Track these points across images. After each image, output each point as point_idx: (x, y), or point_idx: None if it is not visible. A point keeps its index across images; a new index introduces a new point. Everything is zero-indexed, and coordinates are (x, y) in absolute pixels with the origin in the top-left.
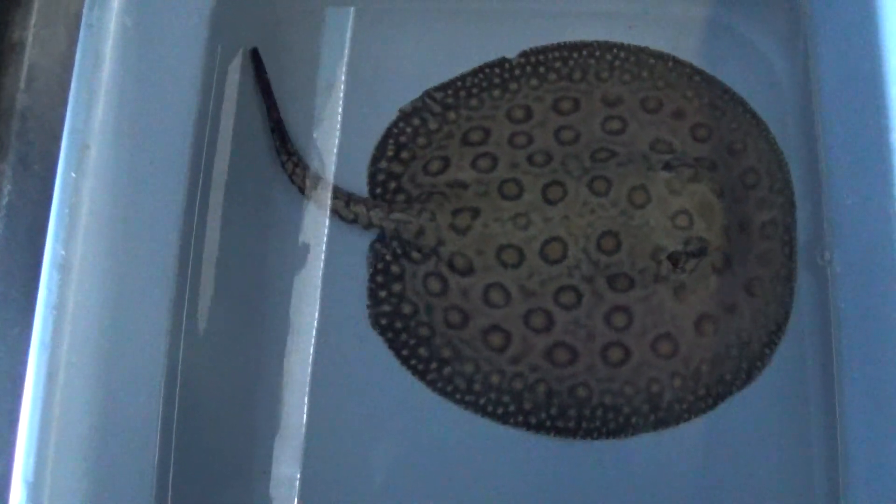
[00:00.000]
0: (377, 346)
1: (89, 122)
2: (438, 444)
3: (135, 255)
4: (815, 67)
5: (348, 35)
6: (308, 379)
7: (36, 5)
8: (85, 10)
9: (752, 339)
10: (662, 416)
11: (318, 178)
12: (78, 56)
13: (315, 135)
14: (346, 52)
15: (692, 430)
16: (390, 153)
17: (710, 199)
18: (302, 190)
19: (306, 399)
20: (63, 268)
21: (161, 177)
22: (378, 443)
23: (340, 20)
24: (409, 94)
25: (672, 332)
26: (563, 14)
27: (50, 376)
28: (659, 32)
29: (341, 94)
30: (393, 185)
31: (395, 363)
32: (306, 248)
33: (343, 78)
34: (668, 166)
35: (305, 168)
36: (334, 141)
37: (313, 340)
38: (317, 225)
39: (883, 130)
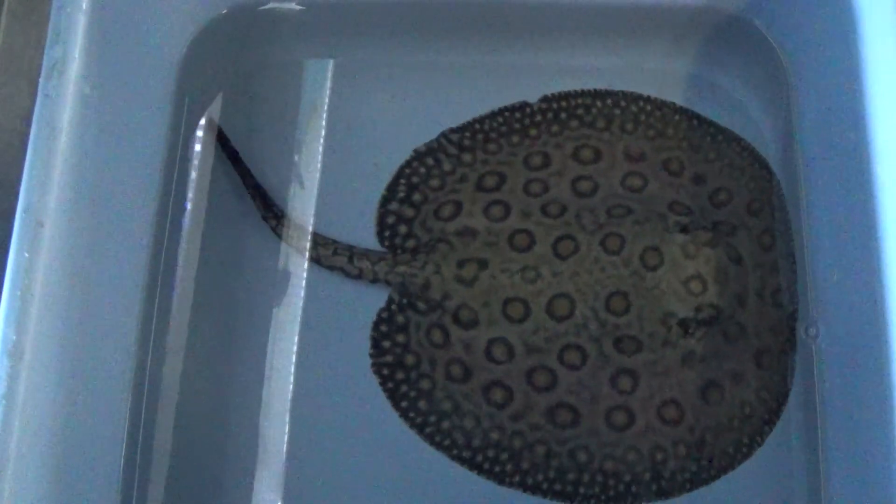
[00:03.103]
0: (361, 379)
1: (44, 199)
2: (419, 476)
3: (93, 340)
4: (799, 134)
5: (328, 87)
6: (287, 418)
7: None
8: (41, 81)
9: (755, 414)
10: (665, 485)
11: (317, 236)
12: (33, 130)
13: (299, 188)
14: (326, 103)
15: None
16: (401, 194)
17: (725, 265)
18: (299, 250)
19: (286, 436)
20: (14, 354)
21: (122, 254)
22: (358, 477)
23: (320, 72)
24: (392, 145)
25: (678, 399)
26: (543, 69)
27: None
28: (641, 87)
29: (320, 145)
30: (403, 228)
31: (380, 399)
32: (287, 301)
33: (322, 130)
34: (685, 229)
35: (297, 228)
36: (320, 191)
37: (292, 377)
38: (296, 272)
39: (867, 205)
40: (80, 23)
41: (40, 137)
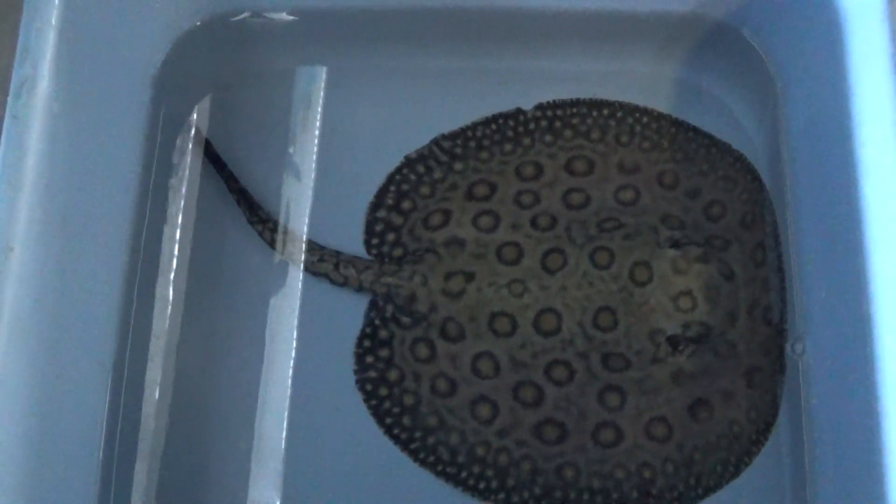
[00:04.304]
0: (353, 383)
1: (12, 222)
2: (414, 479)
3: (66, 365)
4: (786, 143)
5: (317, 94)
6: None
7: None
8: (10, 100)
9: (743, 434)
10: (653, 503)
11: (301, 241)
12: (1, 151)
13: (287, 194)
14: (316, 110)
15: None
16: (390, 202)
17: (717, 281)
18: (286, 255)
19: (283, 442)
20: None
21: (97, 275)
22: (351, 482)
23: (310, 79)
24: (382, 151)
25: (667, 416)
26: (533, 75)
27: None
28: (629, 93)
29: (310, 152)
30: (391, 236)
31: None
32: (276, 306)
33: (312, 137)
34: (676, 244)
35: (284, 232)
36: (308, 197)
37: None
38: (284, 278)
39: (854, 217)
40: (50, 39)
41: (8, 159)
